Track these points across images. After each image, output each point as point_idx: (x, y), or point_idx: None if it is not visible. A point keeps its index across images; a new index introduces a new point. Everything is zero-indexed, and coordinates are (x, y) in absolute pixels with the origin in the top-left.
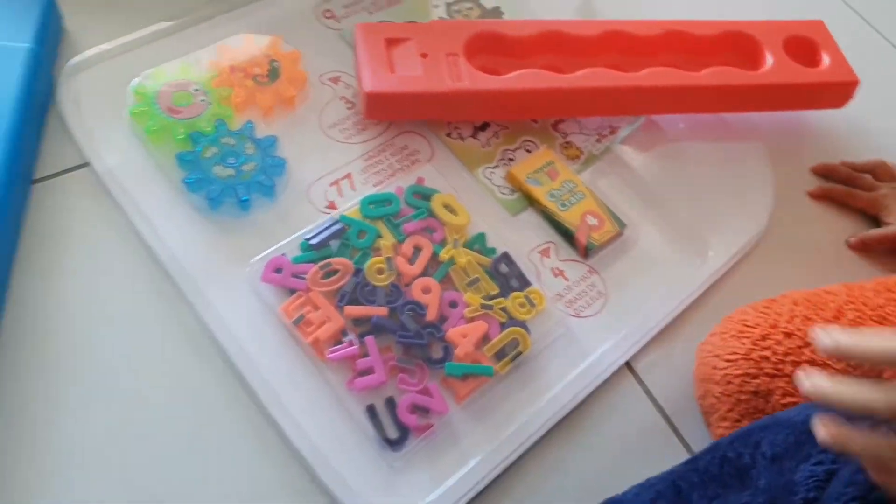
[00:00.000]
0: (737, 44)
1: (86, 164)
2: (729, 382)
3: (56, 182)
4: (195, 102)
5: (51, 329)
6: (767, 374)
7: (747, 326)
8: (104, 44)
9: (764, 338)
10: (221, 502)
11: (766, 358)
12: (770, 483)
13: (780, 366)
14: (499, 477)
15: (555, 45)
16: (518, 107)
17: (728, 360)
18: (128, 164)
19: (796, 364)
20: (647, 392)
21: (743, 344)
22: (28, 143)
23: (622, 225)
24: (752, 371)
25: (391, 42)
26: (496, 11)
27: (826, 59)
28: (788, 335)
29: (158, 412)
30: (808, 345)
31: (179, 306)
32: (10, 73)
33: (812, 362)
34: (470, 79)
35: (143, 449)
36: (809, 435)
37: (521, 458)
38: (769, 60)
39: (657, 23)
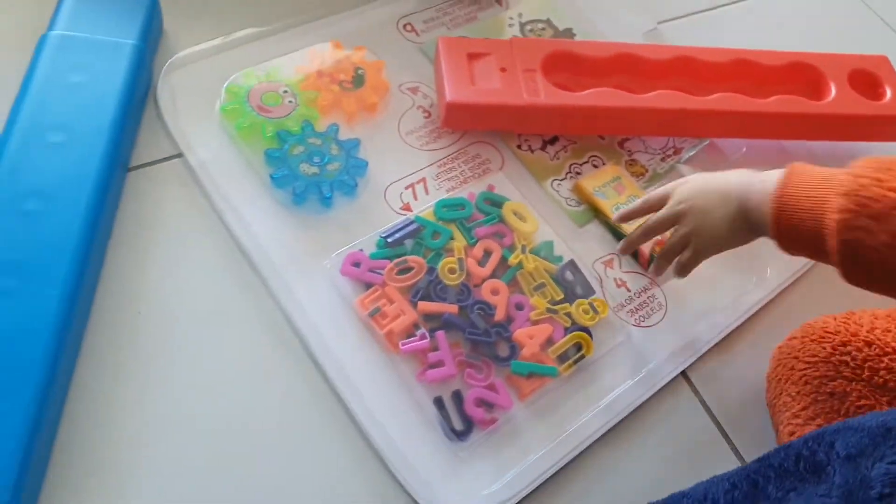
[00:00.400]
0: (802, 74)
1: (179, 156)
2: (807, 383)
3: (150, 170)
4: (284, 103)
5: (138, 308)
6: (845, 378)
7: (828, 332)
8: (200, 44)
9: (844, 344)
10: (297, 481)
11: (846, 363)
12: (846, 479)
13: (859, 371)
14: (556, 473)
15: (627, 66)
16: (590, 123)
17: (807, 363)
18: (218, 158)
19: (875, 371)
20: (703, 402)
21: (823, 348)
22: (127, 133)
23: None
24: (831, 374)
25: (472, 56)
26: (568, 32)
27: (889, 93)
28: (869, 343)
29: (238, 393)
30: (887, 354)
31: (262, 294)
32: (116, 67)
33: (890, 370)
34: (546, 94)
35: (226, 428)
36: (884, 438)
37: (578, 457)
38: (833, 91)
39: (726, 51)
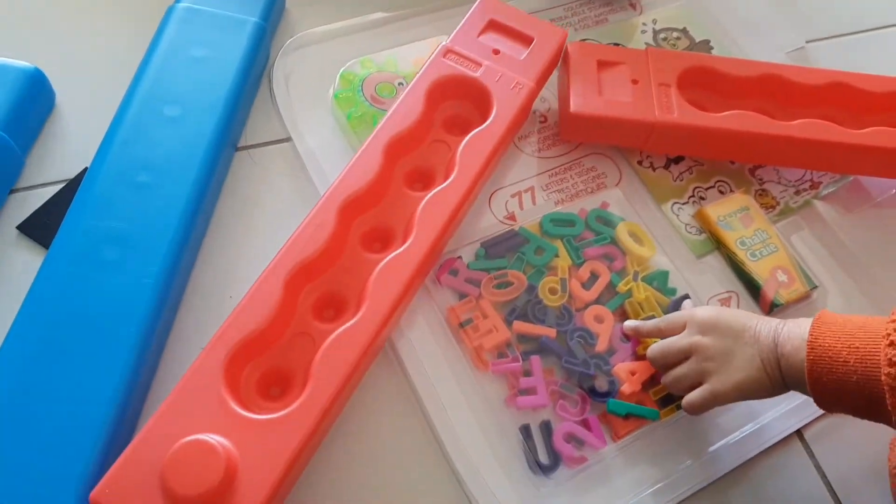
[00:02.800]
0: None
1: (287, 139)
2: None
3: (258, 152)
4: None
5: (230, 292)
6: None
7: None
8: (320, 26)
9: None
10: (373, 485)
11: None
12: None
13: None
14: None
15: (772, 89)
16: (724, 147)
17: None
18: (326, 146)
19: None
20: (817, 465)
21: None
22: (240, 112)
23: (813, 286)
24: None
25: (602, 64)
26: (705, 44)
27: None
28: None
29: None
30: None
31: None
32: (236, 43)
33: None
34: (680, 112)
35: None
36: None
37: None
38: None
39: (887, 79)
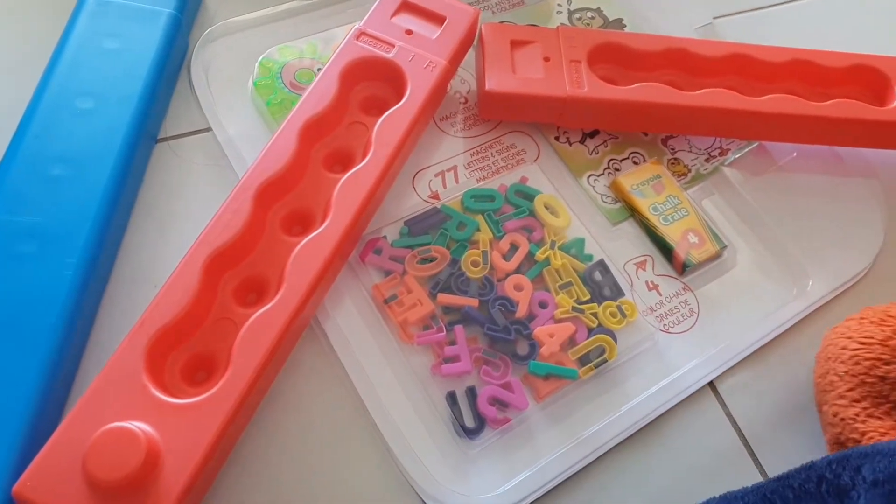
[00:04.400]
0: (865, 78)
1: (208, 129)
2: (857, 363)
3: (178, 143)
4: None
5: (154, 281)
6: None
7: (890, 316)
8: (239, 16)
9: None
10: (304, 460)
11: None
12: None
13: None
14: (568, 479)
15: (678, 62)
16: (634, 119)
17: (861, 343)
18: (246, 133)
19: None
20: (728, 414)
21: (882, 331)
22: (158, 104)
23: (722, 245)
24: (886, 357)
25: (515, 44)
26: (618, 23)
27: None
28: None
29: None
30: None
31: None
32: (150, 35)
33: None
34: (590, 86)
35: None
36: None
37: (592, 463)
38: None
39: (784, 49)
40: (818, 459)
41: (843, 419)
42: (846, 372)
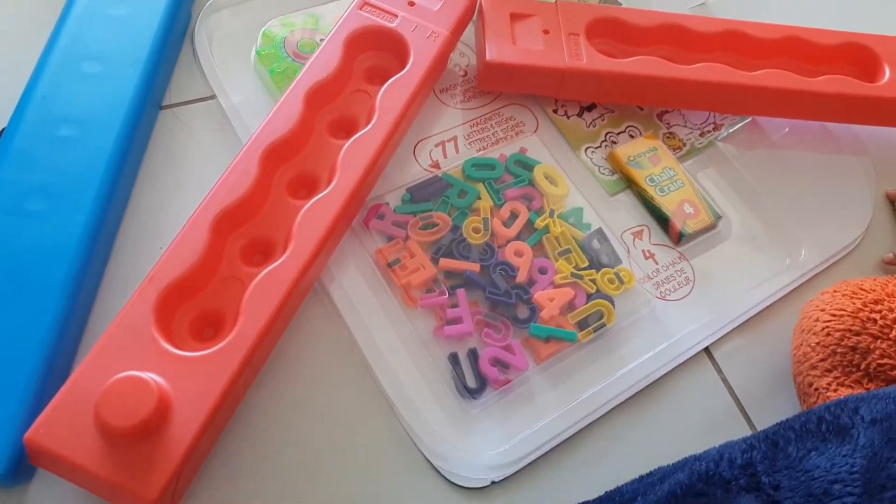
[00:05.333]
0: (856, 55)
1: (212, 97)
2: (828, 334)
3: (182, 110)
4: None
5: (160, 243)
6: (871, 335)
7: (862, 290)
8: None
9: (877, 302)
10: (310, 417)
11: (874, 320)
12: (871, 440)
13: (886, 330)
14: (567, 440)
15: (673, 37)
16: (631, 91)
17: (833, 315)
18: (250, 102)
19: None
20: (724, 379)
21: (853, 303)
22: (162, 71)
23: (717, 216)
24: (856, 328)
25: (515, 16)
26: (614, 0)
27: None
28: None
29: None
30: None
31: None
32: (156, 2)
33: None
34: (588, 58)
35: None
36: None
37: (590, 425)
38: (887, 74)
39: (777, 27)
40: (817, 406)
41: (816, 388)
42: (818, 343)
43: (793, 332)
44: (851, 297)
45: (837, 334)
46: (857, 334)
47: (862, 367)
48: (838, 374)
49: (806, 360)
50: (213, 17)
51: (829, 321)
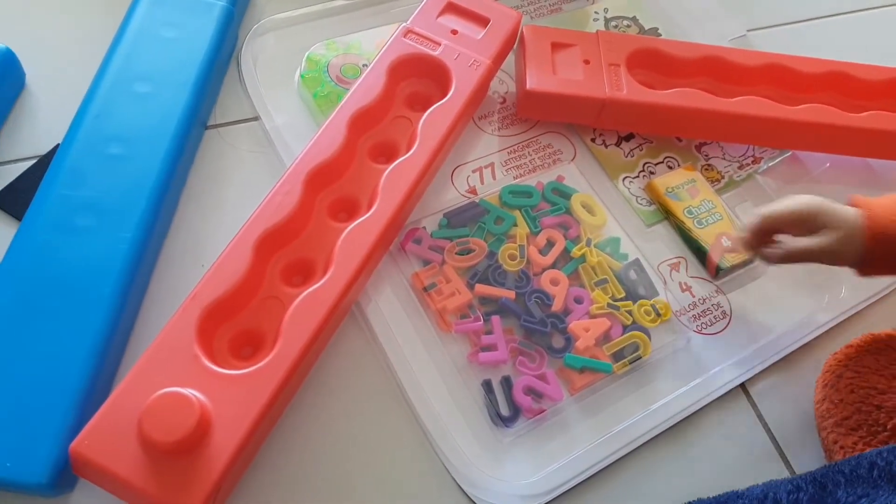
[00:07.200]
0: None
1: (256, 118)
2: (852, 391)
3: (227, 130)
4: None
5: (202, 261)
6: None
7: (888, 346)
8: (287, 12)
9: None
10: (344, 439)
11: None
12: None
13: None
14: (599, 472)
15: (714, 69)
16: (670, 123)
17: (856, 371)
18: (293, 123)
19: None
20: (760, 417)
21: (877, 360)
22: (209, 91)
23: None
24: (882, 386)
25: (556, 46)
26: (653, 32)
27: None
28: None
29: None
30: None
31: None
32: (205, 26)
33: None
34: (629, 89)
35: None
36: None
37: (623, 457)
38: None
39: (821, 61)
40: (869, 451)
41: (842, 447)
42: (841, 400)
43: (815, 383)
44: (876, 354)
45: (862, 392)
46: (883, 392)
47: (889, 426)
48: (864, 434)
49: (830, 417)
50: (259, 41)
51: (852, 378)
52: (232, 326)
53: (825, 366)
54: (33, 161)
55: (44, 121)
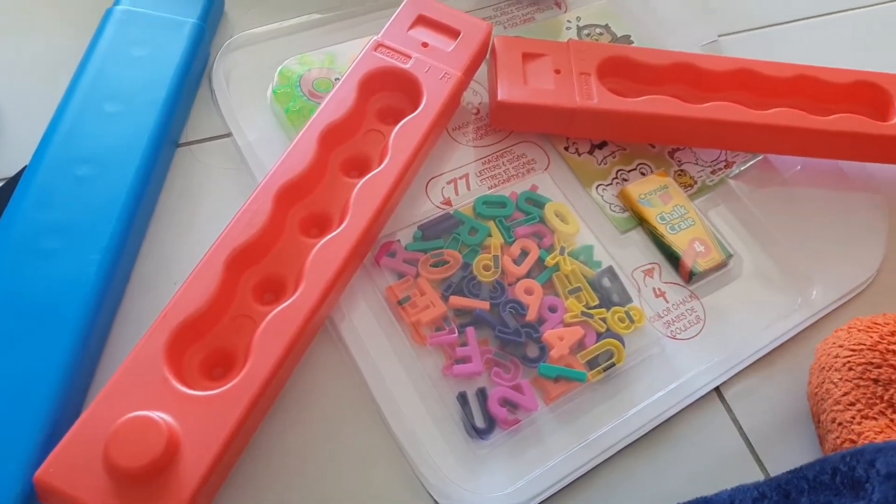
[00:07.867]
0: (867, 94)
1: (228, 135)
2: (850, 369)
3: (199, 147)
4: None
5: (174, 278)
6: (892, 366)
7: (876, 324)
8: (258, 27)
9: (894, 333)
10: (318, 456)
11: (894, 352)
12: (885, 497)
13: None
14: (576, 480)
15: (685, 76)
16: (642, 130)
17: (852, 350)
18: (266, 140)
19: None
20: (735, 420)
21: (871, 336)
22: (180, 109)
23: (728, 255)
24: (877, 361)
25: (527, 56)
26: (626, 39)
27: None
28: None
29: None
30: None
31: None
32: (175, 44)
33: None
34: (599, 98)
35: None
36: None
37: (599, 465)
38: None
39: (789, 66)
40: (831, 454)
41: (840, 423)
42: (840, 378)
43: (809, 371)
44: (867, 332)
45: (859, 368)
46: (879, 367)
47: (885, 398)
48: (861, 407)
49: (829, 397)
50: (231, 56)
51: (849, 356)
52: (203, 346)
53: (817, 352)
54: (0, 183)
55: (10, 142)
